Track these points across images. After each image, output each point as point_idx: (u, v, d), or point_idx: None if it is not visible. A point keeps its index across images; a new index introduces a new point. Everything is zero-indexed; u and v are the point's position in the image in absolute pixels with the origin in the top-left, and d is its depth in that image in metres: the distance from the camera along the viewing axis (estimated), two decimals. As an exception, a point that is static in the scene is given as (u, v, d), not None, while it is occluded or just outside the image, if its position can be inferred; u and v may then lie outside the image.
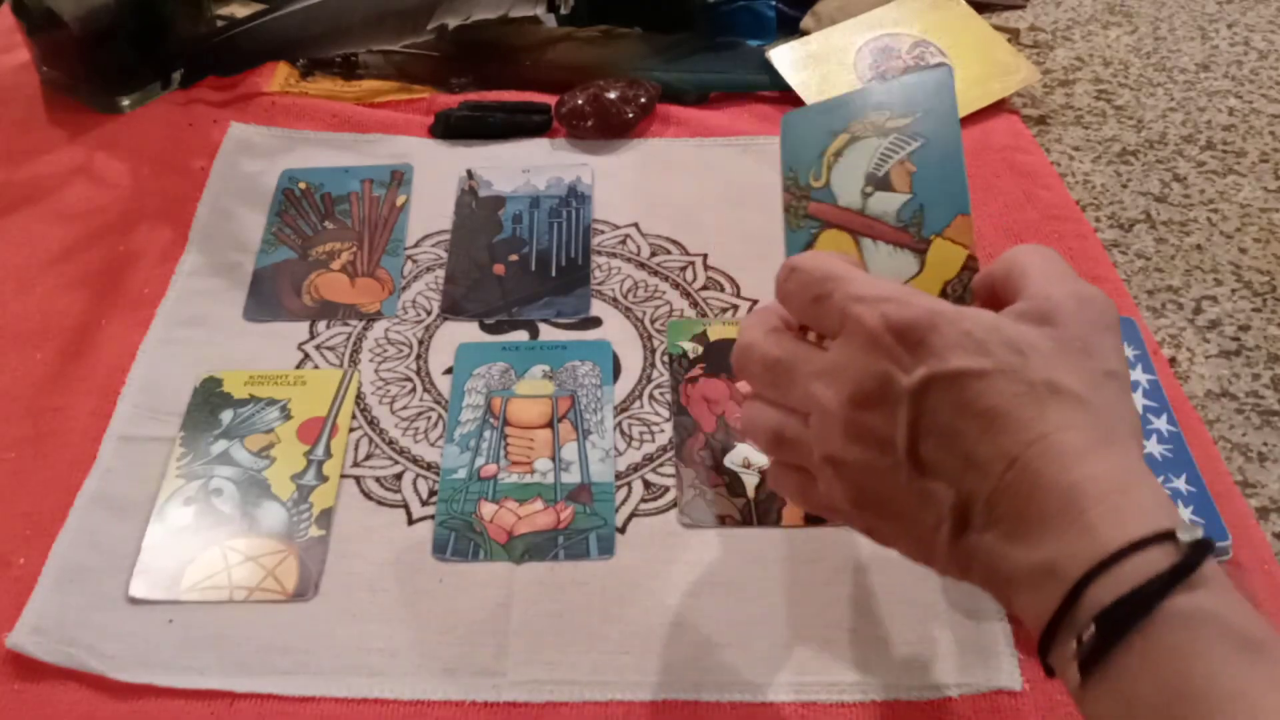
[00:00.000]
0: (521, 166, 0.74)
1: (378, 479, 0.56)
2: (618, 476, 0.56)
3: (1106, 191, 0.74)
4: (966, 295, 0.42)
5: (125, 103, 0.78)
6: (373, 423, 0.58)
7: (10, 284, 0.66)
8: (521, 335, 0.63)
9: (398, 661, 0.48)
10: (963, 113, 0.47)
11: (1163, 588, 0.31)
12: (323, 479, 0.55)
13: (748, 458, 0.56)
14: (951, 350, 0.35)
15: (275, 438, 0.57)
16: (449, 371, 0.61)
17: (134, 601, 0.50)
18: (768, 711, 0.47)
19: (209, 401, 0.59)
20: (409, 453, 0.57)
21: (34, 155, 0.75)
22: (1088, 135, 0.79)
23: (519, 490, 0.55)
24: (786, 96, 0.78)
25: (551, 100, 0.77)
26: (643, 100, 0.75)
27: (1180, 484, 0.54)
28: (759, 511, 0.54)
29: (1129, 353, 0.60)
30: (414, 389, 0.60)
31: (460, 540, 0.53)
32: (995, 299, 0.39)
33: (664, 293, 0.65)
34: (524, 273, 0.67)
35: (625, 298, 0.65)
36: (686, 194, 0.72)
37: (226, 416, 0.58)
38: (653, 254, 0.68)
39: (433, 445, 0.57)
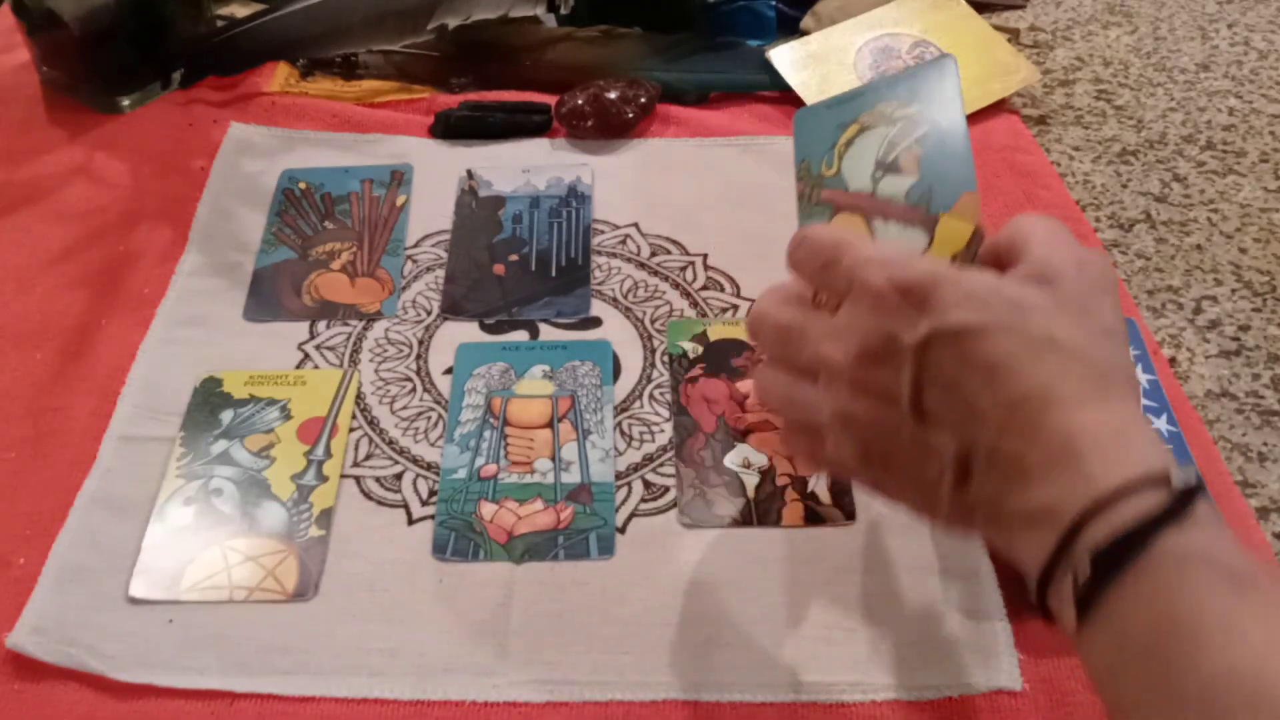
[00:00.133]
0: (521, 166, 0.74)
1: (378, 479, 0.56)
2: (618, 476, 0.56)
3: (1106, 191, 0.74)
4: (974, 264, 0.43)
5: (125, 103, 0.78)
6: (373, 423, 0.58)
7: (10, 284, 0.66)
8: (521, 335, 0.63)
9: (398, 661, 0.48)
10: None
11: (1155, 527, 0.32)
12: (323, 479, 0.55)
13: (748, 458, 0.56)
14: (954, 307, 0.37)
15: (275, 438, 0.57)
16: (449, 371, 0.61)
17: (134, 601, 0.50)
18: (768, 711, 0.47)
19: (209, 401, 0.59)
20: (409, 453, 0.57)
21: (34, 155, 0.75)
22: (1088, 135, 0.79)
23: (519, 490, 0.55)
24: (786, 96, 0.78)
25: (551, 100, 0.77)
26: (643, 100, 0.75)
27: (1180, 484, 0.54)
28: (759, 511, 0.54)
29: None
30: (414, 389, 0.60)
31: (460, 540, 0.53)
32: (1000, 264, 0.41)
33: (664, 293, 0.65)
34: (524, 273, 0.67)
35: (625, 298, 0.65)
36: (686, 194, 0.72)
37: (226, 416, 0.58)
38: (653, 254, 0.68)
39: (433, 445, 0.57)
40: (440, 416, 0.59)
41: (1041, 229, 0.40)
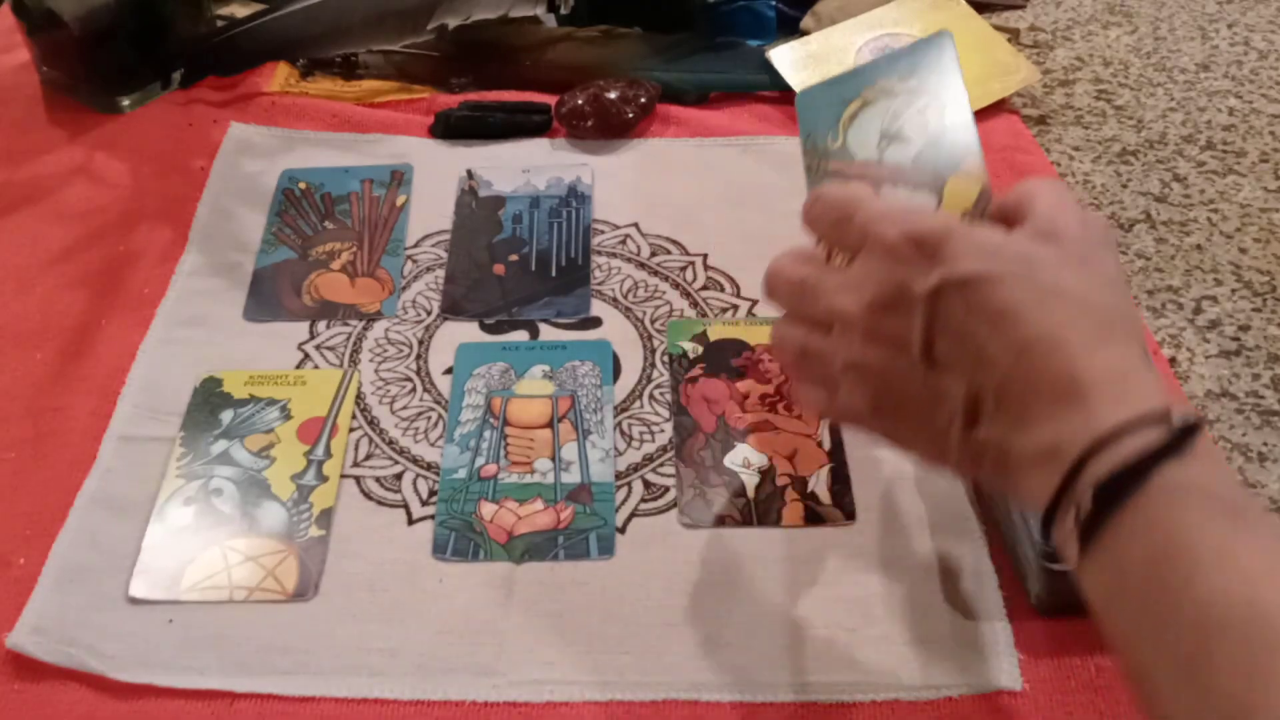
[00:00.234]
0: (521, 166, 0.74)
1: (378, 479, 0.56)
2: (618, 476, 0.56)
3: (1106, 191, 0.74)
4: (983, 222, 0.45)
5: (125, 103, 0.78)
6: (373, 423, 0.58)
7: (10, 284, 0.66)
8: (521, 335, 0.63)
9: (398, 661, 0.48)
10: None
11: (1154, 460, 0.33)
12: (323, 479, 0.55)
13: (748, 458, 0.56)
14: (964, 257, 0.38)
15: (275, 438, 0.57)
16: (449, 371, 0.61)
17: (134, 601, 0.50)
18: (768, 711, 0.47)
19: (209, 401, 0.59)
20: (409, 453, 0.57)
21: (34, 155, 0.75)
22: (1088, 135, 0.79)
23: (519, 490, 0.55)
24: (786, 96, 0.78)
25: (551, 100, 0.77)
26: (643, 100, 0.75)
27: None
28: (759, 511, 0.54)
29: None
30: (414, 389, 0.60)
31: (460, 540, 0.53)
32: (1007, 224, 0.42)
33: (664, 293, 0.65)
34: (524, 273, 0.67)
35: (625, 298, 0.65)
36: (686, 194, 0.72)
37: (226, 416, 0.58)
38: (653, 254, 0.68)
39: (433, 445, 0.57)
40: (440, 416, 0.59)
41: (1046, 190, 0.42)
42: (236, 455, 0.56)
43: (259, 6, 0.82)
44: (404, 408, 0.59)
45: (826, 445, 0.57)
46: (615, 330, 0.63)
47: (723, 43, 0.82)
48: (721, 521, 0.54)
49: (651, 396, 0.60)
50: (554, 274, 0.66)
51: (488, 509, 0.54)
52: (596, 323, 0.64)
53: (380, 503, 0.55)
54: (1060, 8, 0.92)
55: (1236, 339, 0.64)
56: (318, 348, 0.62)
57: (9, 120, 0.78)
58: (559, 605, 0.50)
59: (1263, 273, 0.68)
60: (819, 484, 0.55)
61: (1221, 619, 0.30)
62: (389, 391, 0.60)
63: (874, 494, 0.54)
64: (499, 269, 0.67)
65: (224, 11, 0.85)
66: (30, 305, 0.64)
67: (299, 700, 0.47)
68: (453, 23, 0.77)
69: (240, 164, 0.74)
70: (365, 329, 0.63)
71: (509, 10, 0.77)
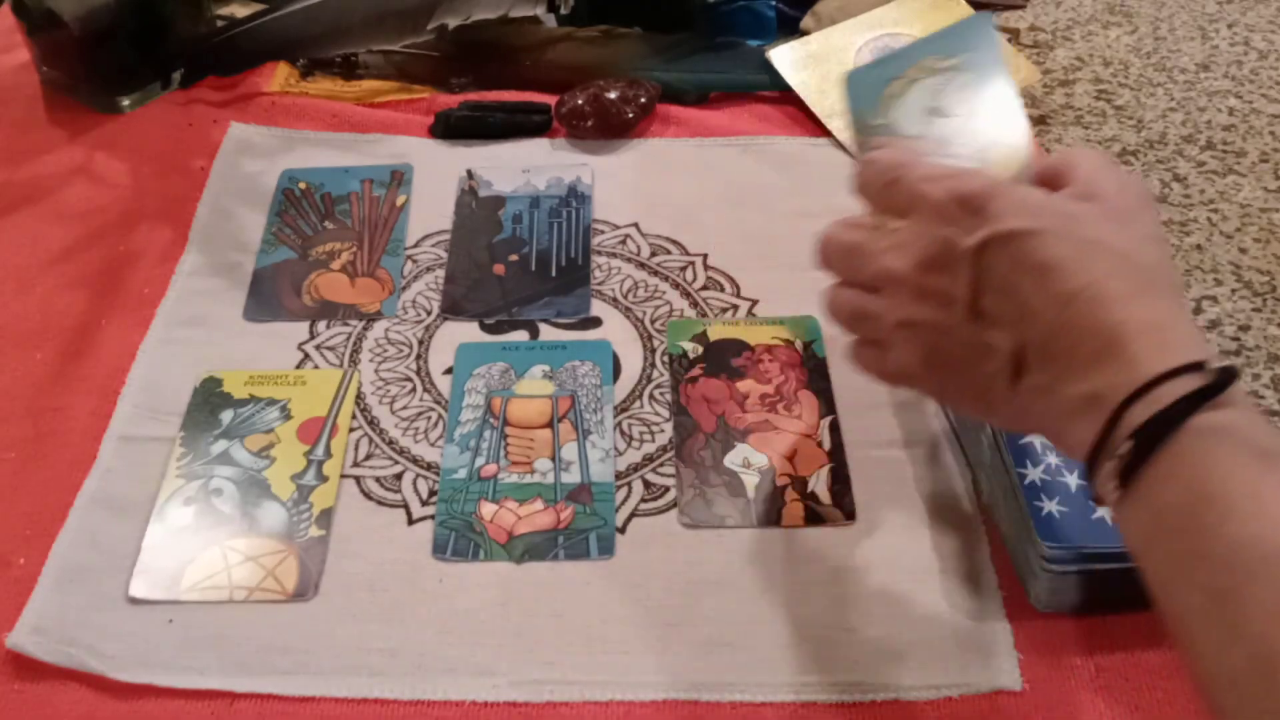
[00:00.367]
0: (521, 166, 0.74)
1: (378, 479, 0.56)
2: (618, 476, 0.56)
3: (1106, 191, 0.74)
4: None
5: (125, 103, 0.78)
6: (373, 423, 0.58)
7: (10, 284, 0.66)
8: (521, 335, 0.63)
9: (398, 661, 0.48)
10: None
11: (1190, 406, 0.34)
12: (323, 479, 0.55)
13: (747, 458, 0.56)
14: (1008, 214, 0.39)
15: (275, 438, 0.57)
16: (449, 371, 0.61)
17: (134, 601, 0.50)
18: (768, 711, 0.47)
19: (209, 401, 0.59)
20: (409, 453, 0.57)
21: (34, 155, 0.75)
22: (1088, 135, 0.79)
23: (519, 490, 0.55)
24: (786, 96, 0.78)
25: (551, 100, 0.77)
26: (643, 100, 0.75)
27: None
28: (759, 511, 0.54)
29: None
30: (414, 389, 0.60)
31: (460, 540, 0.53)
32: (1050, 189, 0.43)
33: (664, 293, 0.65)
34: (524, 273, 0.67)
35: (625, 298, 0.65)
36: (686, 194, 0.72)
37: (226, 416, 0.58)
38: (653, 254, 0.68)
39: (433, 445, 0.57)
40: (440, 416, 0.59)
41: (1086, 156, 0.44)
42: (236, 455, 0.56)
43: (259, 6, 0.82)
44: (404, 408, 0.59)
45: (826, 445, 0.57)
46: (615, 330, 0.63)
47: (723, 43, 0.82)
48: (721, 521, 0.54)
49: (651, 396, 0.60)
50: (554, 274, 0.66)
51: (488, 509, 0.54)
52: (596, 323, 0.64)
53: (380, 503, 0.55)
54: (1060, 8, 0.92)
55: (1236, 339, 0.64)
56: (318, 348, 0.62)
57: (9, 120, 0.78)
58: (559, 605, 0.50)
59: (1263, 273, 0.68)
60: (819, 484, 0.55)
61: (1251, 560, 0.32)
62: (389, 391, 0.60)
63: (874, 494, 0.54)
64: (499, 269, 0.67)
65: (224, 11, 0.85)
66: (30, 305, 0.64)
67: (299, 700, 0.47)
68: (453, 23, 0.77)
69: (240, 164, 0.74)
70: (365, 329, 0.63)
71: (509, 10, 0.77)
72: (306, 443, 0.57)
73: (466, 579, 0.51)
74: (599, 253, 0.68)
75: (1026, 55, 0.83)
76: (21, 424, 0.58)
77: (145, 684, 0.47)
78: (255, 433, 0.57)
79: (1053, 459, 0.50)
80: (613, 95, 0.75)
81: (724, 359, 0.61)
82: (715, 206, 0.71)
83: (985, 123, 0.48)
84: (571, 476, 0.55)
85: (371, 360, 0.61)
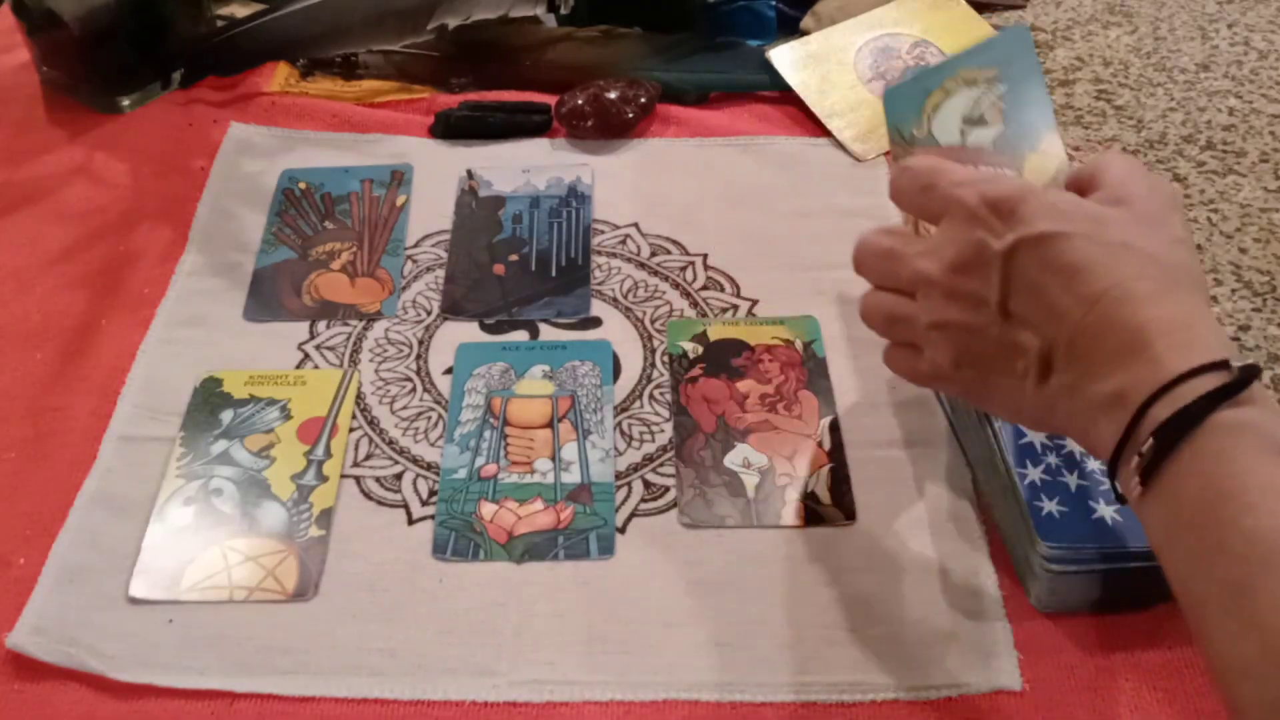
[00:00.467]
0: (521, 166, 0.74)
1: (378, 479, 0.56)
2: (618, 476, 0.56)
3: (1106, 191, 0.74)
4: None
5: (125, 103, 0.78)
6: (373, 423, 0.58)
7: (10, 284, 0.66)
8: (521, 335, 0.63)
9: (398, 661, 0.48)
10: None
11: (1211, 404, 0.35)
12: (323, 479, 0.55)
13: (747, 458, 0.56)
14: (1038, 217, 0.41)
15: (275, 438, 0.57)
16: (449, 371, 0.61)
17: (134, 601, 0.50)
18: (768, 711, 0.47)
19: (209, 401, 0.59)
20: (409, 453, 0.57)
21: (34, 155, 0.75)
22: (1088, 135, 0.79)
23: (519, 490, 0.55)
24: (786, 96, 0.78)
25: (551, 100, 0.77)
26: (643, 100, 0.75)
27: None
28: (759, 511, 0.54)
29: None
30: (414, 389, 0.60)
31: (460, 540, 0.53)
32: (1081, 193, 0.45)
33: (664, 293, 0.65)
34: (524, 273, 0.67)
35: (625, 298, 0.65)
36: (686, 194, 0.72)
37: (226, 416, 0.58)
38: (653, 254, 0.68)
39: (433, 445, 0.57)
40: (440, 416, 0.59)
41: (1117, 161, 0.45)
42: (236, 455, 0.56)
43: (259, 6, 0.82)
44: (404, 408, 0.59)
45: (827, 445, 0.57)
46: (615, 330, 0.63)
47: (723, 43, 0.82)
48: (721, 521, 0.54)
49: (651, 396, 0.60)
50: (554, 274, 0.66)
51: (488, 509, 0.54)
52: (596, 323, 0.64)
53: (380, 503, 0.55)
54: (1060, 8, 0.92)
55: (1236, 339, 0.64)
56: (318, 348, 0.62)
57: (9, 120, 0.78)
58: (559, 605, 0.50)
59: (1263, 273, 0.68)
60: (819, 484, 0.55)
61: (1266, 553, 0.32)
62: (389, 391, 0.60)
63: (874, 494, 0.54)
64: (499, 269, 0.67)
65: (224, 11, 0.85)
66: (30, 305, 0.64)
67: (299, 700, 0.47)
68: (453, 23, 0.77)
69: (240, 164, 0.74)
70: (365, 329, 0.63)
71: (509, 10, 0.77)
72: (306, 443, 0.57)
73: (466, 579, 0.51)
74: (599, 253, 0.68)
75: (1026, 55, 0.83)
76: (21, 424, 0.58)
77: (145, 684, 0.47)
78: (255, 433, 0.57)
79: (1053, 459, 0.50)
80: (613, 95, 0.75)
81: (724, 359, 0.61)
82: (715, 206, 0.71)
83: (1021, 131, 0.49)
84: (571, 476, 0.55)
85: (371, 360, 0.61)
